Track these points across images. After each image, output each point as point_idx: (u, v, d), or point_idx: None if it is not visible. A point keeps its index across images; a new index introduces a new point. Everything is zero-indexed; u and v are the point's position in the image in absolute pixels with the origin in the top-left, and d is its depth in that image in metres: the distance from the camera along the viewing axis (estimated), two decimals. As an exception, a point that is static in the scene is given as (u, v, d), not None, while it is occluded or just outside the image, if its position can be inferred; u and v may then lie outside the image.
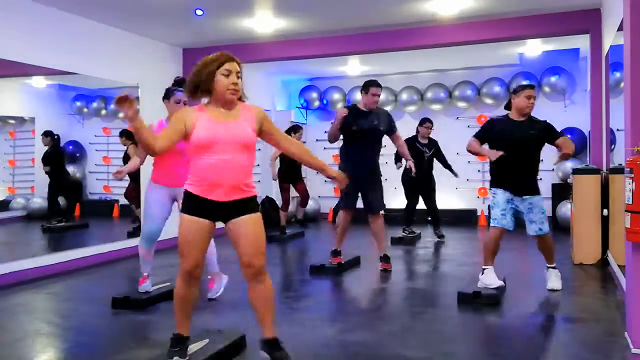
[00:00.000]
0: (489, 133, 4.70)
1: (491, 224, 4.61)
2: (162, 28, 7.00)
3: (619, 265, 4.88)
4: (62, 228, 7.67)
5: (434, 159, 7.64)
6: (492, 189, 4.65)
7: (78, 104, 8.04)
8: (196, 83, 2.88)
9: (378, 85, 5.70)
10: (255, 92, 9.97)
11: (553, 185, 9.07)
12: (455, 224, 9.17)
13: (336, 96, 10.51)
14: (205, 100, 2.98)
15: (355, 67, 9.69)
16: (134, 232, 7.20)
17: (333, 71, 10.07)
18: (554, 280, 4.79)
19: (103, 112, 8.22)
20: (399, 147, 5.97)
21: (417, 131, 7.58)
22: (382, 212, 5.78)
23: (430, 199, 7.73)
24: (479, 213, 9.57)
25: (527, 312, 4.32)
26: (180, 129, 2.86)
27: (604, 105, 6.24)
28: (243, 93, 2.95)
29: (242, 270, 2.98)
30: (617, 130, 5.96)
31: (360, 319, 4.17)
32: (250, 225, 2.90)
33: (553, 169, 9.23)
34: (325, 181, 10.76)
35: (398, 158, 7.38)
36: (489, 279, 4.56)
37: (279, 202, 8.62)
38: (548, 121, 4.71)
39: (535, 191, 4.60)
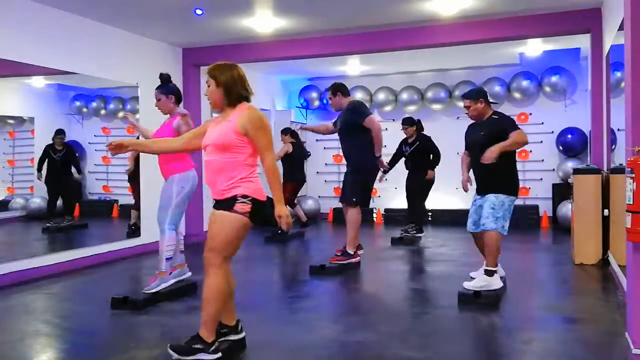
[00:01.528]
0: (465, 139, 4.88)
1: None
2: (162, 28, 6.99)
3: (619, 266, 4.88)
4: (62, 228, 7.67)
5: (426, 157, 7.61)
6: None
7: (77, 103, 8.03)
8: None
9: (328, 89, 6.19)
10: (255, 92, 9.95)
11: (553, 185, 9.06)
12: (454, 224, 9.16)
13: (336, 96, 10.49)
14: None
15: (355, 67, 9.68)
16: (133, 232, 7.19)
17: (333, 71, 10.07)
18: (478, 279, 4.54)
19: (102, 112, 8.21)
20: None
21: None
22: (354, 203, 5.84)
23: (417, 196, 7.75)
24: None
25: (527, 312, 4.32)
26: (199, 132, 3.29)
27: (604, 105, 6.23)
28: (217, 98, 3.15)
29: None
30: (618, 130, 5.95)
31: (360, 319, 4.17)
32: (213, 220, 3.12)
33: (554, 169, 9.23)
34: (326, 181, 10.77)
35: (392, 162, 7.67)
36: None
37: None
38: (508, 116, 4.70)
39: (490, 189, 4.54)
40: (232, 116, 3.09)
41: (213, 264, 3.07)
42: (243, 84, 3.16)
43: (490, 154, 4.31)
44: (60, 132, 7.33)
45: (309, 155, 10.03)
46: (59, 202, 7.60)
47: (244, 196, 3.04)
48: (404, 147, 7.73)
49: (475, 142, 4.61)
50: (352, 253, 5.82)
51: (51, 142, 7.25)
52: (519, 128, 4.52)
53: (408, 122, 7.67)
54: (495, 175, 4.51)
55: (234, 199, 3.04)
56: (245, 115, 3.07)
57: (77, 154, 7.71)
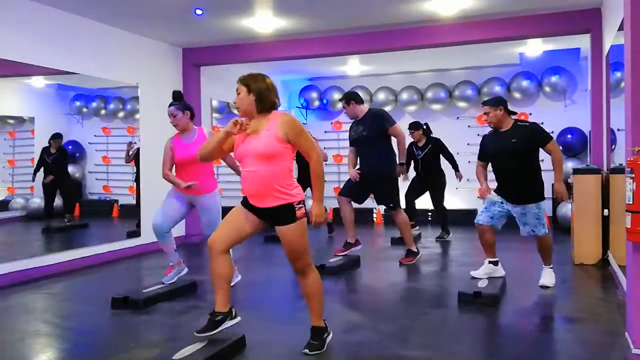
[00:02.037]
0: (482, 149, 4.90)
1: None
2: (162, 28, 7.00)
3: (619, 266, 4.88)
4: (62, 228, 7.67)
5: (438, 159, 7.63)
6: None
7: (77, 103, 8.03)
8: None
9: (341, 99, 6.23)
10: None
11: (553, 185, 9.05)
12: (455, 224, 9.15)
13: (336, 96, 10.50)
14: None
15: (355, 67, 9.68)
16: (134, 233, 7.20)
17: (333, 71, 10.07)
18: (546, 276, 4.85)
19: (102, 112, 8.21)
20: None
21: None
22: (398, 207, 6.01)
23: (433, 199, 7.76)
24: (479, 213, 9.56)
25: (527, 312, 4.32)
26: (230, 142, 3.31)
27: (604, 105, 6.23)
28: (253, 105, 3.22)
29: None
30: (618, 130, 5.95)
31: (360, 319, 4.17)
32: (284, 235, 3.21)
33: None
34: (325, 181, 10.75)
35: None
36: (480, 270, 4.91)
37: None
38: (536, 124, 4.71)
39: (529, 200, 4.61)
40: (270, 124, 3.15)
41: (306, 266, 3.27)
42: (275, 92, 3.28)
43: (563, 194, 4.51)
44: (57, 137, 7.32)
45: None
46: (59, 203, 7.61)
47: (299, 202, 3.19)
48: (415, 150, 7.64)
49: (504, 150, 4.60)
50: (416, 251, 6.18)
51: (47, 144, 7.26)
52: (550, 136, 4.62)
53: (414, 126, 7.65)
54: (533, 186, 4.63)
55: (292, 208, 3.16)
56: (285, 122, 3.15)
57: (68, 156, 7.64)
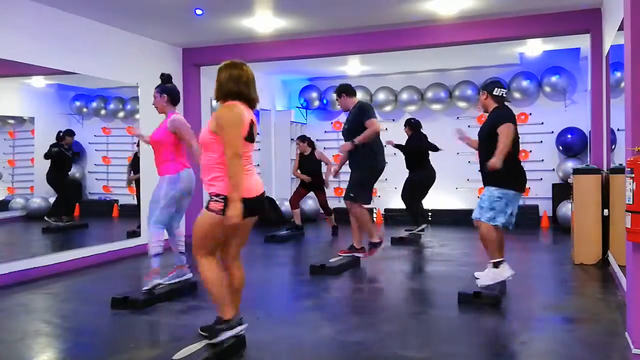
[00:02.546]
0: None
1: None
2: (162, 28, 6.99)
3: (619, 266, 4.88)
4: (62, 228, 7.67)
5: (414, 154, 7.71)
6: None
7: (77, 103, 8.04)
8: None
9: (334, 91, 6.11)
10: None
11: (553, 185, 9.06)
12: (455, 224, 9.16)
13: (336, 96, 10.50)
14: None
15: (355, 67, 9.68)
16: (134, 233, 7.20)
17: (333, 71, 10.07)
18: (483, 274, 4.56)
19: (102, 112, 8.21)
20: None
21: None
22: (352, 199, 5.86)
23: (417, 193, 7.81)
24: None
25: (527, 312, 4.32)
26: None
27: (604, 105, 6.23)
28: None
29: None
30: (618, 130, 5.95)
31: (360, 319, 4.17)
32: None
33: (554, 169, 9.23)
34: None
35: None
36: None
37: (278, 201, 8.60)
38: (505, 111, 4.60)
39: (486, 181, 4.57)
40: (212, 115, 3.21)
41: (196, 259, 3.25)
42: (236, 81, 3.22)
43: (494, 164, 4.30)
44: (70, 133, 7.40)
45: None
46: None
47: (217, 195, 3.12)
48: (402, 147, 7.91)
49: (479, 135, 4.72)
50: (359, 248, 6.07)
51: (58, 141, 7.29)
52: (509, 122, 4.45)
53: (406, 123, 7.93)
54: (494, 170, 4.50)
55: (210, 198, 3.17)
56: (215, 114, 3.16)
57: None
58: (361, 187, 5.80)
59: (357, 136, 5.72)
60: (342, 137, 6.05)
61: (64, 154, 7.32)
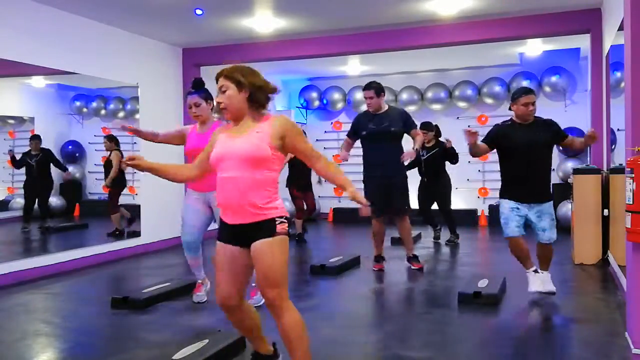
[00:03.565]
0: (495, 138, 4.49)
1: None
2: (162, 28, 6.99)
3: (619, 266, 4.88)
4: (61, 228, 7.67)
5: (443, 161, 7.37)
6: (500, 199, 4.54)
7: (77, 103, 8.03)
8: None
9: (366, 88, 5.66)
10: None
11: (553, 185, 9.04)
12: (455, 223, 9.15)
13: (336, 96, 10.51)
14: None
15: (355, 67, 9.68)
16: (134, 233, 7.20)
17: (333, 71, 10.07)
18: (546, 282, 4.53)
19: (102, 112, 8.21)
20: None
21: None
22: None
23: (438, 202, 7.52)
24: (479, 213, 9.57)
25: (527, 312, 4.32)
26: (208, 151, 2.72)
27: (604, 105, 6.23)
28: (240, 105, 2.63)
29: None
30: (618, 130, 5.95)
31: (361, 319, 4.17)
32: (259, 252, 2.61)
33: (554, 169, 9.23)
34: (326, 181, 10.75)
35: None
36: (531, 284, 4.52)
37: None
38: (552, 120, 4.56)
39: (548, 197, 4.46)
40: (256, 128, 2.61)
41: (282, 301, 2.66)
42: (268, 90, 2.69)
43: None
44: (35, 138, 7.26)
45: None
46: (59, 203, 7.62)
47: (281, 216, 2.64)
48: (420, 151, 7.19)
49: (531, 145, 4.34)
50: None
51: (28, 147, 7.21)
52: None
53: (426, 126, 7.29)
54: (548, 181, 4.49)
55: (273, 222, 2.61)
56: (272, 124, 2.62)
57: (52, 155, 7.56)
58: (408, 198, 5.75)
59: (399, 141, 5.58)
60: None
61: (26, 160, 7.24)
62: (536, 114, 4.50)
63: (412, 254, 5.84)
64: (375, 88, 5.61)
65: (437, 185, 7.40)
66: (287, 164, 7.82)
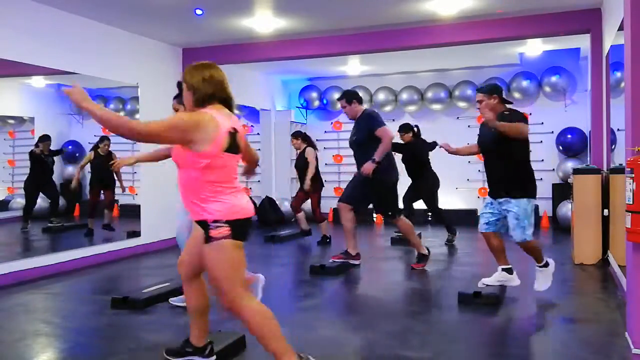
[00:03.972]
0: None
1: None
2: (162, 28, 6.99)
3: (619, 266, 4.88)
4: (62, 228, 7.68)
5: (419, 161, 7.33)
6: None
7: (78, 104, 8.03)
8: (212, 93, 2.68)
9: (340, 98, 5.81)
10: (256, 92, 9.97)
11: (553, 185, 9.06)
12: (455, 224, 9.13)
13: (336, 96, 10.47)
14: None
15: (355, 67, 9.68)
16: (133, 233, 7.20)
17: (333, 71, 10.07)
18: (540, 279, 4.55)
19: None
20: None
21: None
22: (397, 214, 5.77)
23: (425, 202, 7.54)
24: (479, 213, 9.55)
25: (527, 312, 4.32)
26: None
27: (604, 105, 6.23)
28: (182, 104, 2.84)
29: None
30: (618, 130, 5.95)
31: (360, 319, 4.17)
32: (203, 255, 2.67)
33: (554, 169, 9.23)
34: (325, 181, 10.76)
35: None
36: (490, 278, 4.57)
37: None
38: (518, 112, 4.43)
39: (509, 194, 4.31)
40: None
41: (232, 302, 2.64)
42: (202, 89, 2.65)
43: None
44: (47, 138, 7.32)
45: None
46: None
47: (215, 222, 2.57)
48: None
49: (485, 141, 4.48)
50: (427, 253, 5.87)
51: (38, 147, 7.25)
52: (525, 122, 4.32)
53: (403, 128, 7.35)
54: (507, 177, 4.35)
55: (206, 225, 2.59)
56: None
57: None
58: (395, 202, 5.73)
59: (367, 147, 5.45)
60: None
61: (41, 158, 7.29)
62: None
63: (419, 253, 5.84)
64: (346, 96, 5.71)
65: (421, 185, 7.36)
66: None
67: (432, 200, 7.46)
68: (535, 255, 4.52)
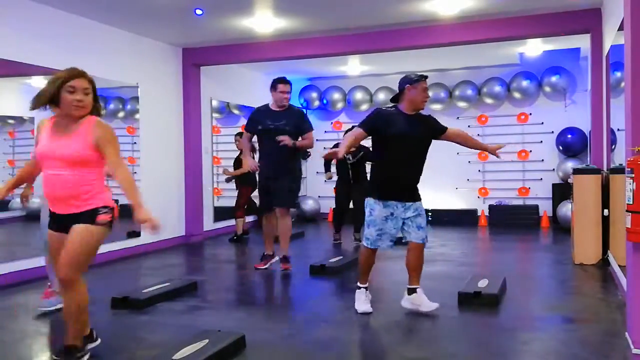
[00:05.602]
0: (375, 123, 4.05)
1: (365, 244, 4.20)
2: (162, 28, 6.99)
3: (619, 266, 4.88)
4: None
5: (363, 165, 7.43)
6: (369, 199, 4.12)
7: (78, 103, 8.03)
8: (48, 97, 2.98)
9: (286, 81, 5.77)
10: (255, 92, 9.95)
11: (553, 185, 9.07)
12: (455, 224, 9.16)
13: (336, 96, 10.51)
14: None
15: (355, 67, 9.69)
16: (133, 232, 7.19)
17: (333, 71, 10.07)
18: (424, 298, 4.16)
19: (102, 112, 8.20)
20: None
21: None
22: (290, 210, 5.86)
23: (358, 204, 7.37)
24: (479, 213, 9.56)
25: (527, 312, 4.32)
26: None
27: (604, 105, 6.23)
28: (96, 109, 3.09)
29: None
30: (618, 130, 5.95)
31: (360, 318, 4.16)
32: (71, 233, 2.96)
33: (554, 169, 9.23)
34: (325, 181, 10.77)
35: (327, 167, 7.78)
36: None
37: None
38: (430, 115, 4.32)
39: (419, 197, 4.18)
40: (82, 129, 2.98)
41: (74, 281, 2.99)
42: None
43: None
44: None
45: (309, 155, 10.04)
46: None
47: (105, 207, 3.01)
48: (345, 155, 7.27)
49: (414, 138, 4.07)
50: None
51: None
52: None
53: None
54: (418, 180, 4.23)
55: (96, 211, 2.98)
56: (98, 129, 2.99)
57: None
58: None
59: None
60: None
61: None
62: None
63: (284, 255, 5.86)
64: (289, 82, 5.82)
65: (360, 189, 7.25)
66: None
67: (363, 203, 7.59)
68: (420, 269, 4.28)
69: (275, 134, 5.55)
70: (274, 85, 5.78)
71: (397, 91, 4.17)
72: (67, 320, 3.08)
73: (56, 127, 3.02)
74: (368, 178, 7.30)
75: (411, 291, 4.19)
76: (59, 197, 2.98)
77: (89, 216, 2.97)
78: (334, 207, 7.81)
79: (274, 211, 5.78)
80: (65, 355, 3.07)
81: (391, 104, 4.25)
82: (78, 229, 2.95)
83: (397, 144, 4.02)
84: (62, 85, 2.95)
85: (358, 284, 4.31)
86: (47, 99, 2.97)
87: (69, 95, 2.95)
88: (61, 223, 3.02)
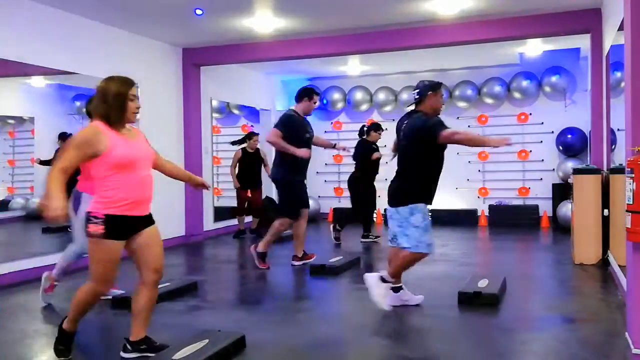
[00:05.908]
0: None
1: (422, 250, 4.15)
2: (162, 28, 7.00)
3: (619, 266, 4.88)
4: (62, 228, 7.66)
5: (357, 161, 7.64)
6: (415, 204, 4.10)
7: (78, 103, 8.02)
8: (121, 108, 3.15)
9: (316, 92, 6.01)
10: (256, 92, 9.97)
11: (553, 185, 9.06)
12: (455, 224, 9.16)
13: (336, 96, 10.51)
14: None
15: (355, 67, 9.69)
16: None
17: (333, 71, 10.07)
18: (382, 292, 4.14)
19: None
20: None
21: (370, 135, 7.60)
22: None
23: (373, 202, 7.82)
24: (479, 213, 9.56)
25: (527, 312, 4.32)
26: (86, 153, 2.97)
27: (604, 105, 6.23)
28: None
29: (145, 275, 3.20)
30: (618, 130, 5.95)
31: (360, 319, 4.17)
32: (157, 235, 3.20)
33: (554, 169, 9.23)
34: (325, 181, 10.77)
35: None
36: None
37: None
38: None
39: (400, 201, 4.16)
40: (135, 132, 3.22)
41: (90, 281, 3.24)
42: (105, 99, 3.32)
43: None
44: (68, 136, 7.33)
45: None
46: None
47: (91, 216, 3.01)
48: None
49: (402, 140, 4.45)
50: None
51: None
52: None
53: (377, 127, 7.70)
54: (404, 183, 4.28)
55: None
56: (141, 133, 3.30)
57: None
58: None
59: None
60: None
61: None
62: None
63: (260, 251, 5.94)
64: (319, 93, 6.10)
65: (374, 189, 7.74)
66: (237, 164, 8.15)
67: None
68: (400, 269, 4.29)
69: (309, 142, 5.89)
70: (309, 95, 5.87)
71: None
72: (144, 314, 3.24)
73: (119, 133, 3.06)
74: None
75: (397, 289, 4.32)
76: (148, 197, 3.12)
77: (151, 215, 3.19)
78: (353, 206, 7.74)
79: (305, 213, 5.95)
80: (148, 346, 3.25)
81: (409, 109, 4.35)
82: (155, 228, 3.18)
83: (442, 149, 4.27)
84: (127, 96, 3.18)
85: (394, 281, 4.25)
86: (120, 110, 3.13)
87: (132, 104, 3.17)
88: (133, 226, 3.07)
